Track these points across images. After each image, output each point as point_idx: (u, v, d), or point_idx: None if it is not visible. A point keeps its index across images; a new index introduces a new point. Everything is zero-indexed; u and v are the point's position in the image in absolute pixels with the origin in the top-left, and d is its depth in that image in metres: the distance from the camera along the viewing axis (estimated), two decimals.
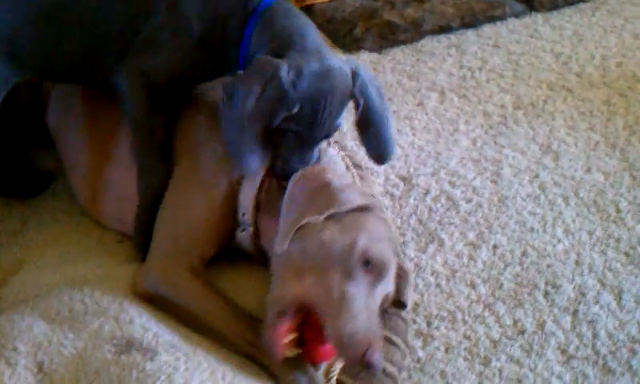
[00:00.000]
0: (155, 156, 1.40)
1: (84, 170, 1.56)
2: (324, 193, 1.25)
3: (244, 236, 1.35)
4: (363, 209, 1.26)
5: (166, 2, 1.37)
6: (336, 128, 1.35)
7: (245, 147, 1.26)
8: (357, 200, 1.26)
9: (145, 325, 1.22)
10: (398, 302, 1.34)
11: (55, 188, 1.69)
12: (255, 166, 1.29)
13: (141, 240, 1.41)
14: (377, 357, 1.12)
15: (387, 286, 1.23)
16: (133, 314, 1.24)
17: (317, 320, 1.16)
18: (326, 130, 1.32)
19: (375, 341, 1.13)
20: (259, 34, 1.34)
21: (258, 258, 1.36)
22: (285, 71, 1.23)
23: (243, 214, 1.34)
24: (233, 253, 1.40)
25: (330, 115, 1.30)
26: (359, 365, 1.13)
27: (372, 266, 1.19)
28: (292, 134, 1.29)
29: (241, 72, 1.33)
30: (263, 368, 1.22)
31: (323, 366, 1.24)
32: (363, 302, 1.16)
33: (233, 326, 1.25)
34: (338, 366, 1.25)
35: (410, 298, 1.37)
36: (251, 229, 1.34)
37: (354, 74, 1.32)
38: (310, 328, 1.18)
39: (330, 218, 1.22)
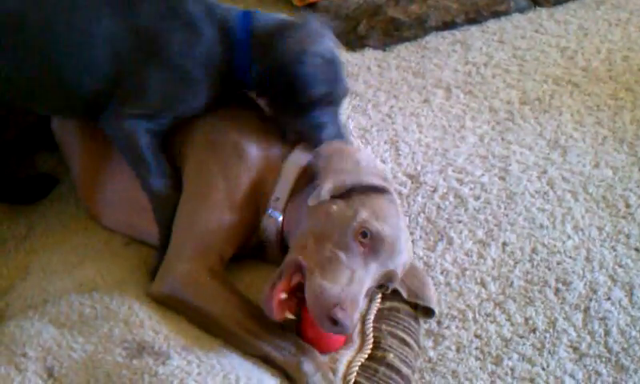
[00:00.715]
0: (165, 187, 1.40)
1: (84, 174, 1.56)
2: (353, 170, 1.33)
3: (270, 223, 1.37)
4: (378, 190, 1.31)
5: (155, 56, 1.37)
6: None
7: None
8: (376, 181, 1.32)
9: (155, 328, 1.22)
10: (426, 310, 1.40)
11: (61, 192, 1.69)
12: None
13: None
14: (344, 315, 1.13)
15: (386, 264, 1.25)
16: (143, 317, 1.24)
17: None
18: (343, 91, 1.48)
19: (350, 304, 1.15)
20: (257, 53, 1.41)
21: (276, 250, 1.38)
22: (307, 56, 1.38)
23: (277, 199, 1.37)
24: (247, 254, 1.41)
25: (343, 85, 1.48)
26: (326, 322, 1.15)
27: (369, 239, 1.22)
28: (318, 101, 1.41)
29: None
30: (278, 369, 1.22)
31: (342, 370, 1.24)
32: (350, 270, 1.20)
33: (250, 327, 1.25)
34: (356, 367, 1.25)
35: (434, 300, 1.41)
36: (281, 217, 1.36)
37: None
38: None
39: (343, 195, 1.29)
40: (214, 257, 1.34)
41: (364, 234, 1.22)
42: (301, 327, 1.27)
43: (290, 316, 1.21)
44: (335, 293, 1.15)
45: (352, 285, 1.18)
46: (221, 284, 1.30)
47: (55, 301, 1.32)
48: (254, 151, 1.41)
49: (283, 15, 1.52)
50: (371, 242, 1.22)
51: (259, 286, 1.31)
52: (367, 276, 1.22)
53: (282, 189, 1.38)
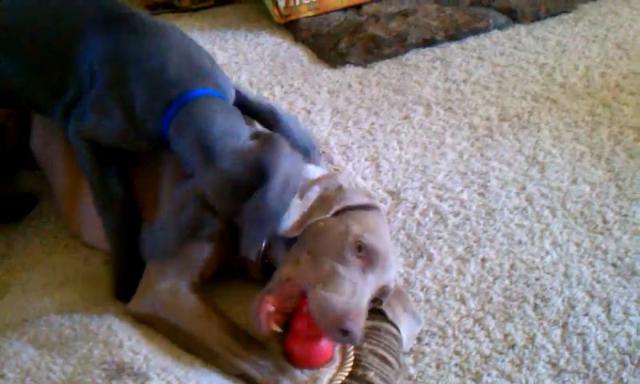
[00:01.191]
0: (114, 210, 1.41)
1: (64, 191, 1.56)
2: (336, 193, 1.35)
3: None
4: (367, 207, 1.35)
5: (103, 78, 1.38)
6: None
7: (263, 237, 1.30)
8: (362, 200, 1.36)
9: (134, 348, 1.21)
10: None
11: (41, 210, 1.69)
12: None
13: (120, 282, 1.42)
14: (355, 326, 1.17)
15: (382, 277, 1.28)
16: (122, 337, 1.23)
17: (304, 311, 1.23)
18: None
19: (357, 315, 1.18)
20: (176, 129, 1.34)
21: (258, 268, 1.38)
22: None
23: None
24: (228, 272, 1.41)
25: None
26: (337, 334, 1.18)
27: (365, 253, 1.25)
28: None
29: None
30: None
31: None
32: (351, 282, 1.22)
33: (230, 345, 1.25)
34: (339, 379, 1.25)
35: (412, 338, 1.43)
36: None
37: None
38: (298, 318, 1.24)
39: (334, 215, 1.31)
40: (196, 275, 1.34)
41: (359, 248, 1.25)
42: (286, 343, 1.27)
43: (277, 329, 1.22)
44: (342, 304, 1.18)
45: (355, 296, 1.21)
46: (202, 302, 1.30)
47: (34, 321, 1.31)
48: None
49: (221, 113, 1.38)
50: (367, 256, 1.26)
51: (241, 305, 1.33)
52: (367, 288, 1.25)
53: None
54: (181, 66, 1.38)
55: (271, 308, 1.21)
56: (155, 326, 1.30)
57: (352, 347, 1.32)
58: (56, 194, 1.60)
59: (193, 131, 1.30)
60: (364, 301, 1.23)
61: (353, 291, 1.22)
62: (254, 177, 1.24)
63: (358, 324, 1.18)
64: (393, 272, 1.32)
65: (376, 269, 1.27)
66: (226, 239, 1.39)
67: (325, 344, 1.28)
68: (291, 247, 1.30)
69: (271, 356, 1.25)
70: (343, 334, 1.17)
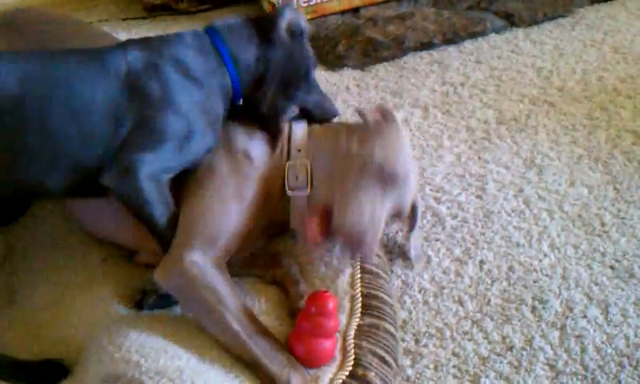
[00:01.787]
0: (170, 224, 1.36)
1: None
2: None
3: (298, 200, 1.45)
4: (387, 120, 1.49)
5: (151, 103, 1.34)
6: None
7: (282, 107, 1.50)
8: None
9: (125, 357, 1.21)
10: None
11: (35, 212, 1.68)
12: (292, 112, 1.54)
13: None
14: (370, 250, 1.35)
15: (399, 199, 1.42)
16: (112, 351, 1.23)
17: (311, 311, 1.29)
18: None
19: (372, 240, 1.35)
20: (239, 56, 1.45)
21: (270, 260, 1.49)
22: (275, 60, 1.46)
23: (297, 177, 1.45)
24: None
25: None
26: (353, 252, 1.37)
27: (385, 175, 1.38)
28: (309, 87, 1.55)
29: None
30: (263, 378, 1.22)
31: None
32: (370, 203, 1.36)
33: (247, 326, 1.26)
34: (340, 379, 1.25)
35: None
36: (308, 189, 1.45)
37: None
38: (303, 317, 1.29)
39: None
40: (220, 249, 1.34)
41: (380, 171, 1.38)
42: (290, 341, 1.28)
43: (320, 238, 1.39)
44: (363, 229, 1.34)
45: (374, 220, 1.35)
46: (224, 278, 1.31)
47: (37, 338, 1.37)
48: (261, 154, 1.46)
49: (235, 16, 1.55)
50: (386, 178, 1.39)
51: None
52: (384, 209, 1.38)
53: (297, 169, 1.47)
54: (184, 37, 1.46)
55: (316, 223, 1.38)
56: (176, 295, 1.32)
57: (352, 346, 1.32)
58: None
59: (245, 29, 1.47)
60: (380, 226, 1.37)
61: (372, 215, 1.35)
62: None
63: (373, 244, 1.35)
64: (410, 192, 1.45)
65: (395, 190, 1.40)
66: (254, 218, 1.42)
67: (328, 344, 1.28)
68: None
69: (283, 349, 1.25)
70: (360, 255, 1.37)
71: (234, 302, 1.28)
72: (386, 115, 1.49)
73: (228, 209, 1.38)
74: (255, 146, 1.46)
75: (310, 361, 1.27)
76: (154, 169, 1.31)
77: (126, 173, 1.29)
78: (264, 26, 1.47)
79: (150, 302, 1.39)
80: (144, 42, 1.40)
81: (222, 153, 1.44)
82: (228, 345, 1.26)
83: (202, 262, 1.30)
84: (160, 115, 1.33)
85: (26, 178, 1.29)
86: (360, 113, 1.50)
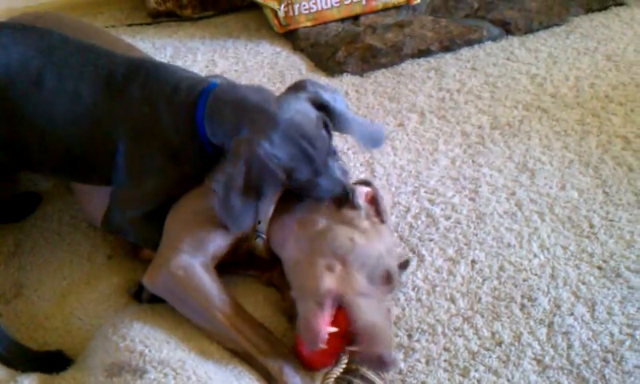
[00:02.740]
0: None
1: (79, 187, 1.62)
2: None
3: (258, 243, 1.46)
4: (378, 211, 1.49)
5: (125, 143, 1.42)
6: (330, 142, 1.43)
7: (240, 216, 1.36)
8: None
9: (129, 347, 1.27)
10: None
11: (45, 210, 1.74)
12: (250, 223, 1.40)
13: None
14: (394, 357, 1.28)
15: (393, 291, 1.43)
16: (117, 341, 1.29)
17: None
18: (324, 154, 1.40)
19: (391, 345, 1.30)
20: (211, 129, 1.41)
21: (267, 261, 1.49)
22: (262, 148, 1.32)
23: (259, 222, 1.44)
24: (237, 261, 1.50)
25: (320, 146, 1.38)
26: (376, 361, 1.27)
27: (388, 280, 1.38)
28: (305, 180, 1.39)
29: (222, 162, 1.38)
30: (258, 370, 1.27)
31: (318, 382, 1.29)
32: (382, 305, 1.34)
33: (236, 323, 1.30)
34: (331, 379, 1.30)
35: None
36: (265, 237, 1.45)
37: (313, 100, 1.43)
38: None
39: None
40: (209, 254, 1.39)
41: (386, 276, 1.38)
42: (298, 344, 1.32)
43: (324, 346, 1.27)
44: (386, 334, 1.29)
45: (386, 320, 1.33)
46: (213, 279, 1.36)
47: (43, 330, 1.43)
48: None
49: (254, 86, 1.49)
50: (389, 281, 1.39)
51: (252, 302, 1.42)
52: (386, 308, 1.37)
53: (263, 217, 1.46)
54: (183, 77, 1.46)
55: (331, 329, 1.27)
56: (166, 297, 1.36)
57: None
58: (73, 186, 1.67)
59: (230, 108, 1.39)
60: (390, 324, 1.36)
61: (385, 315, 1.33)
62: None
63: (393, 353, 1.30)
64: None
65: (389, 292, 1.41)
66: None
67: (334, 349, 1.32)
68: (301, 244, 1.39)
69: (274, 340, 1.30)
70: (383, 365, 1.28)
71: (223, 299, 1.33)
72: (375, 202, 1.50)
73: (215, 215, 1.41)
74: None
75: (315, 363, 1.31)
76: (138, 217, 1.45)
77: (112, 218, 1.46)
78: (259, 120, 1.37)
79: (147, 295, 1.44)
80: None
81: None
82: (221, 340, 1.31)
83: (189, 265, 1.35)
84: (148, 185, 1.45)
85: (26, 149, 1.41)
86: (351, 197, 1.45)
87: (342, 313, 1.29)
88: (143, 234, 1.46)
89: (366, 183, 1.53)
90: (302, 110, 1.39)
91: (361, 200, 1.46)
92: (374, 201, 1.50)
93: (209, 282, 1.34)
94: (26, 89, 1.37)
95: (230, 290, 1.38)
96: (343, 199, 1.44)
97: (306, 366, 1.32)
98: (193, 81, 1.45)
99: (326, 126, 1.41)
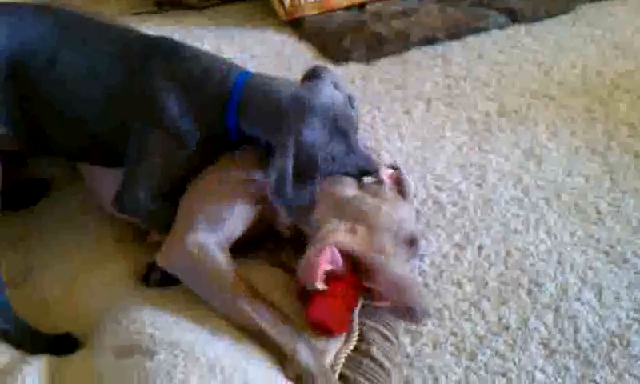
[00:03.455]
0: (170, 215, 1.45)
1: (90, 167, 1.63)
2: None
3: (285, 220, 1.46)
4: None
5: (151, 116, 1.42)
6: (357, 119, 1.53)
7: (296, 204, 1.38)
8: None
9: (139, 329, 1.27)
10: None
11: (53, 196, 1.74)
12: (307, 209, 1.41)
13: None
14: (425, 307, 1.29)
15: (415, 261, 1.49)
16: (127, 324, 1.29)
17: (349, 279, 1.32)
18: (355, 131, 1.49)
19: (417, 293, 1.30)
20: (245, 119, 1.43)
21: (292, 236, 1.50)
22: (306, 136, 1.37)
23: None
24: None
25: (352, 123, 1.47)
26: (406, 313, 1.30)
27: (412, 244, 1.39)
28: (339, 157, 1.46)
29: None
30: (271, 349, 1.27)
31: (329, 361, 1.30)
32: (407, 265, 1.37)
33: (252, 302, 1.30)
34: (342, 359, 1.31)
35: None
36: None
37: (334, 83, 1.50)
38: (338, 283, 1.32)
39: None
40: (223, 233, 1.39)
41: (410, 242, 1.39)
42: (310, 304, 1.32)
43: (322, 286, 1.29)
44: (412, 283, 1.31)
45: (413, 277, 1.36)
46: (227, 258, 1.36)
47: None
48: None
49: (281, 78, 1.52)
50: (413, 246, 1.40)
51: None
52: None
53: None
54: (215, 64, 1.47)
55: (326, 266, 1.29)
56: (181, 276, 1.36)
57: (357, 324, 1.38)
58: (82, 170, 1.67)
59: (266, 100, 1.42)
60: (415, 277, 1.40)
61: (413, 272, 1.38)
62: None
63: (425, 302, 1.30)
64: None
65: (415, 256, 1.43)
66: (257, 209, 1.46)
67: (343, 302, 1.33)
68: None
69: (289, 321, 1.31)
70: (413, 313, 1.29)
71: (237, 279, 1.33)
72: (399, 182, 1.54)
73: (232, 195, 1.42)
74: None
75: (327, 324, 1.31)
76: (150, 193, 1.44)
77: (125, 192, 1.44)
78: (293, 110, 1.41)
79: (155, 277, 1.45)
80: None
81: (229, 156, 1.50)
82: (234, 320, 1.31)
83: (204, 243, 1.35)
84: (155, 161, 1.43)
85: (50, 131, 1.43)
86: (376, 175, 1.52)
87: (351, 270, 1.33)
88: (154, 217, 1.46)
89: (393, 167, 1.58)
90: (331, 93, 1.44)
91: (385, 178, 1.52)
92: (398, 181, 1.54)
93: (223, 261, 1.34)
94: (41, 67, 1.37)
95: (243, 270, 1.39)
96: (369, 174, 1.51)
97: (319, 327, 1.31)
98: (224, 66, 1.47)
99: (351, 104, 1.49)
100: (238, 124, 1.44)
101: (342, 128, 1.43)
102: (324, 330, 1.32)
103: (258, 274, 1.42)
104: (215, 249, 1.35)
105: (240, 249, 1.43)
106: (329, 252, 1.30)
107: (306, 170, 1.38)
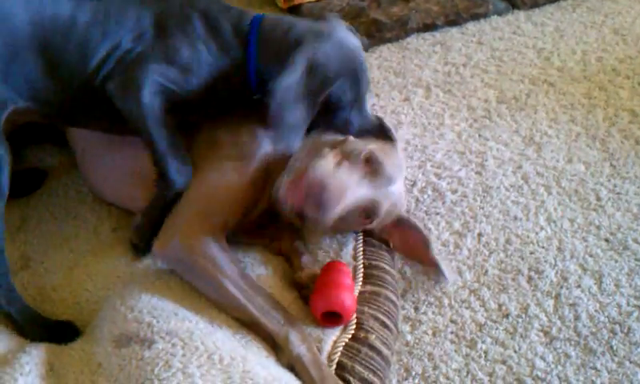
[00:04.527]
0: (177, 157, 1.42)
1: (85, 152, 1.62)
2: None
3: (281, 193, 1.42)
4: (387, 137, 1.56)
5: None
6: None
7: (292, 126, 1.41)
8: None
9: (138, 319, 1.27)
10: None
11: (51, 185, 1.74)
12: (297, 142, 1.45)
13: (145, 233, 1.45)
14: (327, 211, 1.30)
15: (378, 192, 1.41)
16: (125, 312, 1.29)
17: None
18: (366, 84, 1.51)
19: (335, 193, 1.31)
20: (265, 52, 1.45)
21: (275, 230, 1.50)
22: (321, 54, 1.39)
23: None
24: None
25: (366, 71, 1.50)
26: (311, 202, 1.31)
27: (370, 163, 1.39)
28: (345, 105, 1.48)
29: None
30: (264, 338, 1.27)
31: (327, 349, 1.30)
32: (347, 175, 1.36)
33: (245, 290, 1.30)
34: (340, 347, 1.30)
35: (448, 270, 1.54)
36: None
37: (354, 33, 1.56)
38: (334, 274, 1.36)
39: None
40: (219, 221, 1.39)
41: (367, 160, 1.39)
42: (316, 298, 1.34)
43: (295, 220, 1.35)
44: (330, 179, 1.32)
45: (344, 184, 1.34)
46: (221, 247, 1.36)
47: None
48: (268, 145, 1.49)
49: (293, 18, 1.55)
50: (371, 166, 1.39)
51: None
52: (358, 189, 1.37)
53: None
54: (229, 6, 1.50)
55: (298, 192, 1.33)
56: (175, 265, 1.36)
57: (354, 312, 1.38)
58: (77, 155, 1.66)
59: (283, 35, 1.44)
60: (349, 193, 1.35)
61: (345, 180, 1.34)
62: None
63: (332, 200, 1.31)
64: (393, 196, 1.45)
65: (375, 181, 1.39)
66: (254, 195, 1.45)
67: (348, 296, 1.34)
68: None
69: (281, 309, 1.30)
70: (315, 206, 1.30)
71: (232, 268, 1.33)
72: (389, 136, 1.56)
73: (226, 182, 1.42)
74: (262, 131, 1.49)
75: (328, 303, 1.32)
76: (157, 83, 1.38)
77: (131, 82, 1.38)
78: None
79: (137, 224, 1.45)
80: None
81: (227, 129, 1.49)
82: (228, 308, 1.31)
83: (199, 234, 1.34)
84: (176, 45, 1.41)
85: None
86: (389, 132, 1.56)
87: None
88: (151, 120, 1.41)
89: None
90: (347, 35, 1.49)
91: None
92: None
93: (218, 252, 1.34)
94: (63, 31, 1.36)
95: (239, 260, 1.38)
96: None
97: (330, 318, 1.33)
98: (238, 8, 1.50)
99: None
100: (257, 63, 1.44)
101: (356, 67, 1.45)
102: (334, 321, 1.32)
103: (254, 261, 1.42)
104: (210, 239, 1.34)
105: (238, 236, 1.42)
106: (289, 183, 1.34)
107: (314, 92, 1.40)
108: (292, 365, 1.25)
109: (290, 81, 1.36)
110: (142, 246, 1.44)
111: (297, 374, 1.24)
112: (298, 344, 1.25)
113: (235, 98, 1.50)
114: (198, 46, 1.42)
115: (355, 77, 1.46)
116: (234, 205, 1.41)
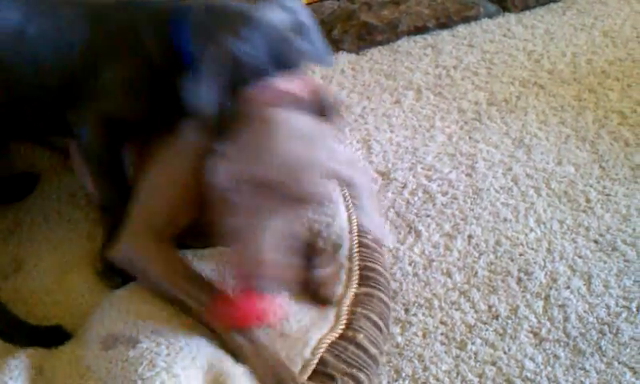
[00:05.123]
0: (112, 180, 1.44)
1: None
2: None
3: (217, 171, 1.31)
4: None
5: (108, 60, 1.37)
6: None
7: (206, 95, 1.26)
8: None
9: (124, 319, 1.27)
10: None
11: (43, 189, 1.73)
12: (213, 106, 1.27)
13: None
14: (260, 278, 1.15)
15: (288, 199, 1.16)
16: (112, 313, 1.29)
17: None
18: (297, 66, 1.33)
19: (257, 268, 1.15)
20: (192, 33, 1.33)
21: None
22: (233, 45, 1.25)
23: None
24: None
25: (295, 55, 1.32)
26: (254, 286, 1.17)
27: (258, 187, 1.17)
28: None
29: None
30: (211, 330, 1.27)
31: (312, 344, 1.30)
32: (246, 230, 1.16)
33: (190, 290, 1.29)
34: (325, 344, 1.31)
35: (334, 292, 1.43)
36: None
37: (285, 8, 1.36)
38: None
39: None
40: (161, 221, 1.37)
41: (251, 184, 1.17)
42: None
43: None
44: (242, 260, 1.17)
45: (249, 247, 1.16)
46: (167, 253, 1.35)
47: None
48: (192, 135, 1.41)
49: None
50: (262, 190, 1.15)
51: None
52: (267, 226, 1.15)
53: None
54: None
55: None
56: (128, 270, 1.35)
57: (346, 312, 1.38)
58: (73, 159, 1.65)
59: (207, 14, 1.31)
60: (262, 247, 1.15)
61: (252, 241, 1.15)
62: None
63: (263, 275, 1.15)
64: (307, 178, 1.17)
65: (277, 197, 1.15)
66: (195, 200, 1.40)
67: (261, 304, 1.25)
68: None
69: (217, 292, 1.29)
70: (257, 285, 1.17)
71: (177, 273, 1.32)
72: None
73: (164, 182, 1.40)
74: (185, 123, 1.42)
75: (241, 320, 1.27)
76: (100, 114, 1.37)
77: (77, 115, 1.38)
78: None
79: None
80: None
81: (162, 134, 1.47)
82: (183, 310, 1.30)
83: (141, 237, 1.34)
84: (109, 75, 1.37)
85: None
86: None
87: None
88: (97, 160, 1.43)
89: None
90: (277, 15, 1.31)
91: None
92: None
93: (163, 257, 1.33)
94: (11, 45, 1.33)
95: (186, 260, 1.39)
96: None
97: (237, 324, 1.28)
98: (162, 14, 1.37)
99: (303, 33, 1.35)
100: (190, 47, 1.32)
101: (280, 51, 1.28)
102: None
103: (208, 261, 1.42)
104: (154, 247, 1.34)
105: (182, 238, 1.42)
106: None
107: (234, 83, 1.26)
108: (233, 352, 1.25)
109: (203, 80, 1.25)
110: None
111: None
112: (241, 341, 1.25)
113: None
114: (131, 69, 1.37)
115: (280, 60, 1.29)
116: (175, 201, 1.38)
